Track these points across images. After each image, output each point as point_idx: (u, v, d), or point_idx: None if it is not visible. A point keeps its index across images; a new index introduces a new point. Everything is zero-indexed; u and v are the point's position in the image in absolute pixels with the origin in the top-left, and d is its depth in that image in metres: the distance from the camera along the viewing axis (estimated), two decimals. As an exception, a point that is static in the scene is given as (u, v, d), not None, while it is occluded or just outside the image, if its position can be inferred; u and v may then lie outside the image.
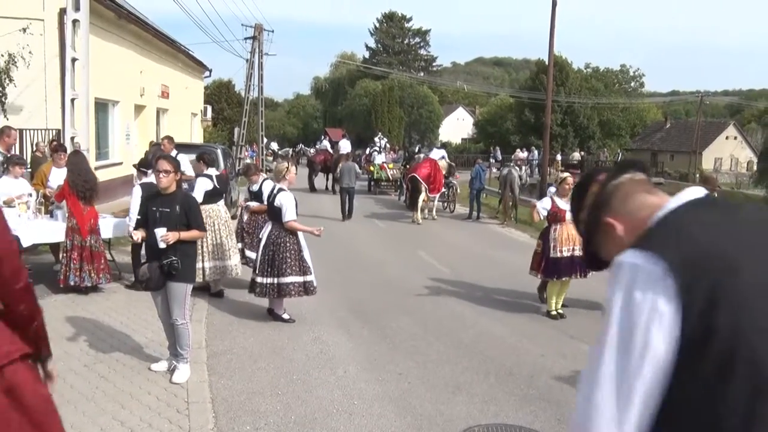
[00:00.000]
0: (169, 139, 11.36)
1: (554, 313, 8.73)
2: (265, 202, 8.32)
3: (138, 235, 5.87)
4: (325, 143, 31.86)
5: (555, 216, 8.75)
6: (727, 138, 67.31)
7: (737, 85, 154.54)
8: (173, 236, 5.68)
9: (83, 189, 8.32)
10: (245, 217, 9.60)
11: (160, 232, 5.65)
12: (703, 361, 1.48)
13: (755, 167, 59.23)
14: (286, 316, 8.03)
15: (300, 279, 7.77)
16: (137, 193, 7.94)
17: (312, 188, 26.68)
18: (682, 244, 1.57)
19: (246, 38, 33.00)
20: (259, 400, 5.63)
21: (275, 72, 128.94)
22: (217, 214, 8.82)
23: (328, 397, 5.72)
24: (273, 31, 34.18)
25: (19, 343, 2.51)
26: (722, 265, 1.52)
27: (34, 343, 2.60)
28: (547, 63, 26.80)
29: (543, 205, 8.92)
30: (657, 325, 1.50)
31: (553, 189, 9.66)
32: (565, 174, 9.52)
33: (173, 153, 9.73)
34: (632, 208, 1.80)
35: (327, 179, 27.19)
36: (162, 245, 5.66)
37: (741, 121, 76.05)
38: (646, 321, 1.51)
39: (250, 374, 6.23)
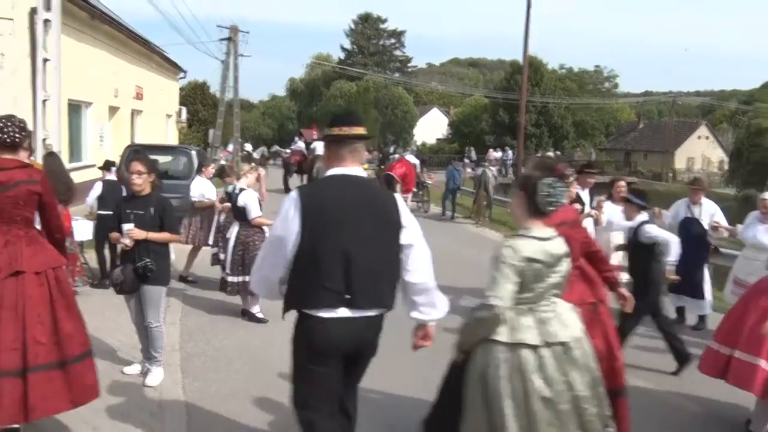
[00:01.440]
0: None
1: None
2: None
3: (126, 242, 5.69)
4: (300, 144, 31.74)
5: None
6: (699, 138, 68.20)
7: (709, 85, 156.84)
8: (139, 233, 5.61)
9: (62, 191, 8.23)
10: (222, 218, 9.58)
11: (128, 226, 5.61)
12: (305, 232, 3.56)
13: (726, 167, 60.14)
14: (260, 315, 8.03)
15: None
16: (97, 186, 9.40)
17: (287, 189, 26.55)
18: (307, 189, 3.79)
19: (221, 39, 32.80)
20: (233, 402, 5.61)
21: (251, 73, 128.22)
22: None
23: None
24: (248, 33, 33.89)
25: (60, 255, 4.69)
26: (319, 201, 3.62)
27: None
28: (521, 63, 26.97)
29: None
30: (291, 217, 3.57)
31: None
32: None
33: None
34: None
35: (302, 180, 27.11)
36: (126, 241, 5.60)
37: (712, 121, 77.13)
38: (287, 215, 3.59)
39: (224, 377, 6.21)
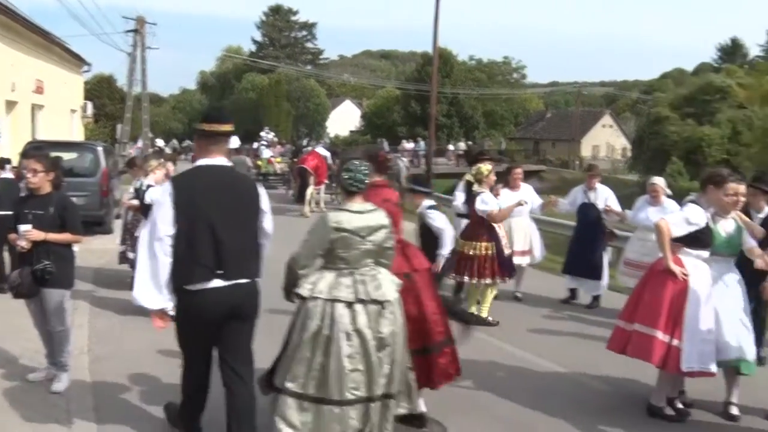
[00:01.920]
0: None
1: (491, 319, 8.11)
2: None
3: (23, 243, 5.39)
4: (212, 138, 31.20)
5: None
6: (603, 126, 70.57)
7: (612, 76, 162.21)
8: (37, 234, 5.37)
9: None
10: (129, 216, 9.29)
11: (25, 227, 5.36)
12: (179, 213, 4.11)
13: (629, 154, 62.39)
14: (172, 313, 7.85)
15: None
16: None
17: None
18: (178, 179, 4.39)
19: (127, 31, 31.90)
20: (145, 406, 5.47)
21: (160, 66, 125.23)
22: None
23: (215, 400, 5.59)
24: (156, 24, 33.07)
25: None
26: (188, 190, 4.18)
27: None
28: (432, 55, 27.27)
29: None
30: (165, 205, 4.14)
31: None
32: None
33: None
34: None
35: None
36: (22, 243, 5.35)
37: (616, 110, 79.97)
38: (161, 203, 4.18)
39: (135, 379, 6.04)
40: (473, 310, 7.97)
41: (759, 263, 5.23)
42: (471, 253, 7.82)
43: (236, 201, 4.32)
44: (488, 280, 7.85)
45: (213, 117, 4.44)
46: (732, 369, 5.42)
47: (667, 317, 5.30)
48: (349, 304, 4.22)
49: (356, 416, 4.24)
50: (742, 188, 5.32)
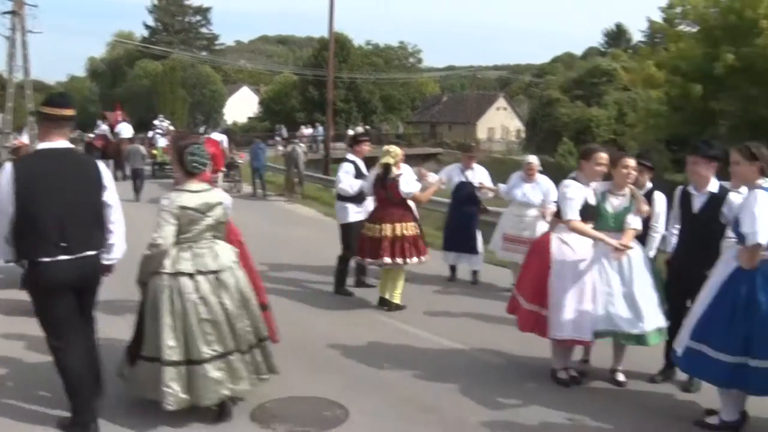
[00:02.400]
0: None
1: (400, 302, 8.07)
2: None
3: None
4: (104, 127, 30.06)
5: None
6: (498, 109, 72.19)
7: (506, 60, 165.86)
8: None
9: None
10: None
11: None
12: (21, 198, 4.34)
13: (523, 135, 64.18)
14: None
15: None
16: None
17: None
18: (19, 162, 4.68)
19: (4, 13, 30.29)
20: (29, 399, 5.25)
21: (45, 52, 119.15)
22: None
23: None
24: (37, 6, 31.55)
25: None
26: (30, 171, 4.42)
27: None
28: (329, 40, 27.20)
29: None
30: (6, 187, 4.32)
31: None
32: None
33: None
34: None
35: (107, 165, 25.74)
36: None
37: (510, 93, 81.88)
38: (2, 185, 4.33)
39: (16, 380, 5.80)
40: (395, 295, 8.02)
41: (614, 253, 5.47)
42: (390, 234, 7.74)
43: (77, 180, 4.57)
44: (416, 259, 7.87)
45: (56, 102, 4.65)
46: (617, 339, 5.69)
47: (535, 288, 5.64)
48: (191, 276, 4.71)
49: (218, 371, 4.73)
50: (632, 162, 5.64)
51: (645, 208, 5.73)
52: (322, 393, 5.53)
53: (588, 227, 5.54)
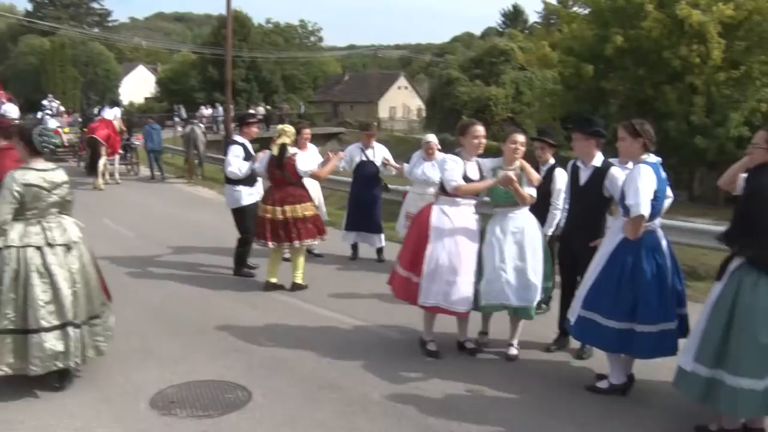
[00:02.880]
0: None
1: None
2: None
3: None
4: (-13, 108, 28.57)
5: None
6: (399, 88, 72.62)
7: (407, 39, 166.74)
8: None
9: None
10: None
11: None
12: None
13: (424, 114, 64.80)
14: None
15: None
16: None
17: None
18: None
19: None
20: None
21: None
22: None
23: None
24: None
25: None
26: None
27: None
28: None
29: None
30: None
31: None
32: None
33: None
34: None
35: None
36: None
37: (411, 73, 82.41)
38: None
39: None
40: (297, 275, 8.02)
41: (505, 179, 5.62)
42: (291, 216, 7.74)
43: None
44: (318, 239, 8.07)
45: None
46: (509, 312, 5.89)
47: (412, 255, 5.81)
48: (39, 248, 4.96)
49: (56, 341, 4.93)
50: (520, 138, 5.82)
51: (536, 176, 5.92)
52: (223, 376, 5.49)
53: (475, 183, 5.73)
